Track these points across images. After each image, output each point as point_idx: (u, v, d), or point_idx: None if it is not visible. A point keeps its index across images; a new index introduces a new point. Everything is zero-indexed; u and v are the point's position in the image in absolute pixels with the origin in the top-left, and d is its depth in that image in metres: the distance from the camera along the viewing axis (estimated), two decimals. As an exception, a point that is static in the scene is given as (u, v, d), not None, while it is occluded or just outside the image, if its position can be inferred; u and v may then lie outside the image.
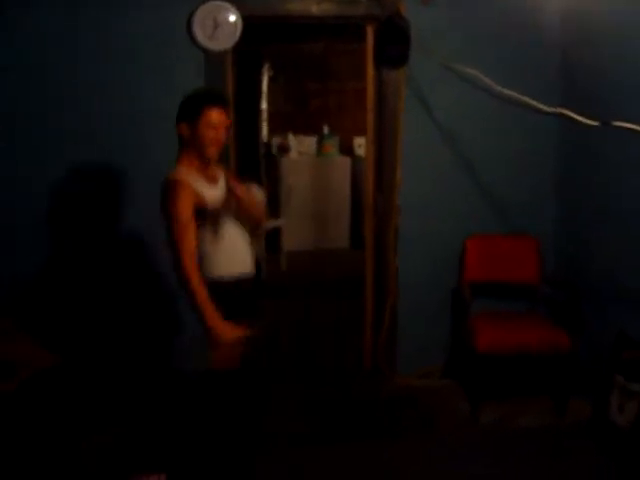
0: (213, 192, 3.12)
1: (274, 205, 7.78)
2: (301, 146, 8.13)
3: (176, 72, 4.09)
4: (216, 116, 3.07)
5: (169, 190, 3.00)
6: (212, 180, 3.16)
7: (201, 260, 3.04)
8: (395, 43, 4.18)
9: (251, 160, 7.65)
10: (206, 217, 3.06)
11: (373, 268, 4.62)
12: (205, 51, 4.08)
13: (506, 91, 3.95)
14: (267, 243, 7.08)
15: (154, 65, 4.10)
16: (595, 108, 3.70)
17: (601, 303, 4.05)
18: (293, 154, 8.02)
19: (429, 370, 4.58)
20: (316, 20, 4.29)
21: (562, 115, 3.09)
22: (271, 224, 7.17)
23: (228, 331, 2.91)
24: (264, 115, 8.11)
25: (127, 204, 4.18)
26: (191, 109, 3.08)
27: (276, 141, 8.18)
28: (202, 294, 2.90)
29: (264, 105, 8.05)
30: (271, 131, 8.27)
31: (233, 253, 3.17)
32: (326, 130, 8.11)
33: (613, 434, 3.65)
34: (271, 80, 8.09)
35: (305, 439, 3.85)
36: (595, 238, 4.14)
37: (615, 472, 2.79)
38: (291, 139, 8.02)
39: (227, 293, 3.06)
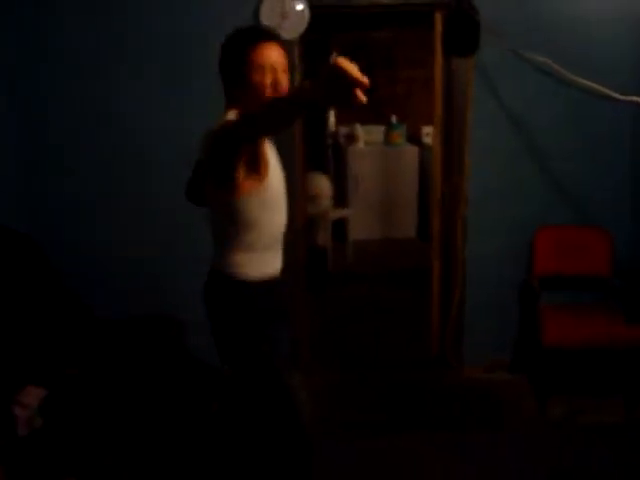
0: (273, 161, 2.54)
1: (341, 195, 7.80)
2: (368, 135, 8.12)
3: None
4: (271, 54, 2.39)
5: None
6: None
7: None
8: (464, 31, 4.12)
9: (318, 150, 7.67)
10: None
11: (440, 258, 4.57)
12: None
13: (578, 79, 3.84)
14: (334, 232, 7.11)
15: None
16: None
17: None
18: (360, 144, 8.02)
19: (496, 363, 4.51)
20: (384, 9, 4.26)
21: (637, 104, 2.99)
22: (338, 213, 7.20)
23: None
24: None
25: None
26: (236, 52, 2.41)
27: (343, 131, 8.18)
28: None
29: (332, 94, 8.05)
30: (338, 121, 8.27)
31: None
32: (394, 119, 8.08)
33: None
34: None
35: (374, 427, 3.87)
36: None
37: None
38: (358, 129, 8.02)
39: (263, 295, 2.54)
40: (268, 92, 2.37)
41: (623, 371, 4.08)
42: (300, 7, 4.06)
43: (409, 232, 7.99)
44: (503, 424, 3.93)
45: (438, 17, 4.27)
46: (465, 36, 4.13)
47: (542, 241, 4.34)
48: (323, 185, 7.06)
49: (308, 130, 4.66)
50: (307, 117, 4.42)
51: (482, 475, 3.42)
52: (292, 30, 4.09)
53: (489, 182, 4.32)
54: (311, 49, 4.85)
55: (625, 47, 4.20)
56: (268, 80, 2.37)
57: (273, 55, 2.39)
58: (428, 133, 7.73)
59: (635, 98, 2.94)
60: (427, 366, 4.63)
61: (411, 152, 7.99)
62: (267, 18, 4.04)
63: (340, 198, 7.71)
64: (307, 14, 4.07)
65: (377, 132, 8.19)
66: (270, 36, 2.46)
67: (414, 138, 8.19)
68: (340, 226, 7.37)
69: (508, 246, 4.42)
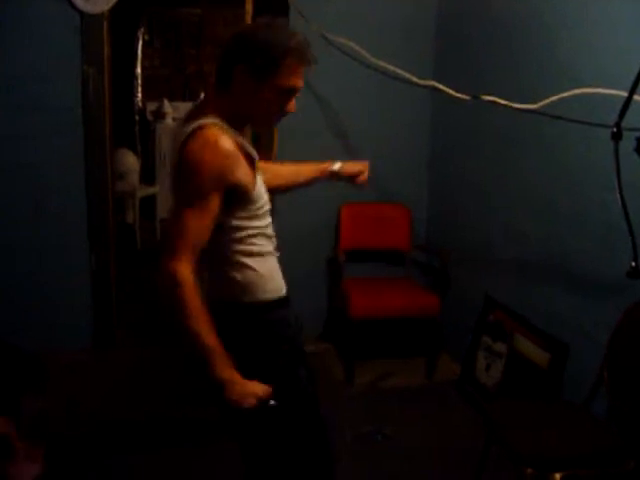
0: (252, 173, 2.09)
1: (149, 172, 7.68)
2: (177, 112, 8.04)
3: (52, 34, 3.98)
4: (302, 80, 2.05)
5: (201, 146, 1.94)
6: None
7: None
8: (273, 12, 4.20)
9: (126, 126, 7.53)
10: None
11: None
12: (82, 13, 3.98)
13: (380, 62, 4.03)
14: (142, 210, 7.01)
15: (29, 26, 3.96)
16: (466, 84, 3.86)
17: (469, 269, 4.26)
18: (169, 120, 7.91)
19: (306, 337, 4.66)
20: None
21: (434, 88, 3.20)
22: (145, 191, 7.10)
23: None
24: (139, 80, 7.96)
25: None
26: (271, 58, 1.97)
27: (151, 107, 8.05)
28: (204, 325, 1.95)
29: (139, 70, 7.90)
30: (146, 97, 8.13)
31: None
32: (202, 96, 8.04)
33: (481, 392, 3.86)
34: (147, 45, 7.95)
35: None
36: (463, 208, 4.33)
37: (483, 429, 2.96)
38: (166, 105, 7.92)
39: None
40: (272, 117, 2.09)
41: (423, 338, 4.36)
42: (109, -20, 3.98)
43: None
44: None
45: (249, -2, 4.33)
46: (274, 17, 4.20)
47: (346, 217, 4.54)
48: (131, 162, 6.94)
49: (115, 105, 4.58)
50: (114, 93, 4.38)
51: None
52: (101, 3, 4.00)
53: (298, 161, 4.43)
54: (120, 23, 4.77)
55: (428, 32, 4.49)
56: (287, 103, 2.05)
57: (302, 82, 2.06)
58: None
59: (433, 82, 3.15)
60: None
61: (219, 128, 7.98)
62: (75, -10, 3.92)
63: (148, 175, 7.60)
64: (117, -13, 4.00)
65: (185, 108, 8.09)
66: (312, 60, 2.05)
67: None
68: (149, 203, 7.27)
69: (315, 223, 4.58)
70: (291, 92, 2.03)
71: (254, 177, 2.07)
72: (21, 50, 3.97)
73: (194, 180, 1.93)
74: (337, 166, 2.58)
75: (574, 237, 3.21)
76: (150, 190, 7.27)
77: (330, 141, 4.49)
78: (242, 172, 2.00)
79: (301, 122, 4.36)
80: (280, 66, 1.97)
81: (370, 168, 4.50)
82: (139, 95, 8.03)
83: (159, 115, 7.93)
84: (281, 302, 2.25)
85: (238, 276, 2.12)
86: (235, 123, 2.03)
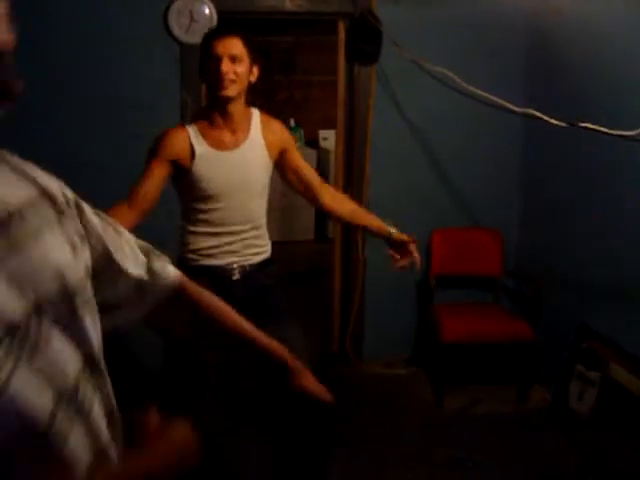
0: (215, 157, 2.78)
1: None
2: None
3: (153, 64, 4.14)
4: (220, 46, 2.67)
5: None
6: (223, 144, 2.79)
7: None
8: (367, 39, 4.28)
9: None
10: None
11: (341, 259, 4.72)
12: (181, 44, 4.13)
13: (475, 90, 4.05)
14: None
15: (131, 57, 4.13)
16: (561, 109, 3.84)
17: (562, 296, 4.20)
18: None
19: (395, 359, 4.69)
20: (290, 16, 4.37)
21: (530, 115, 3.19)
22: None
23: None
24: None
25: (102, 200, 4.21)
26: (200, 51, 2.76)
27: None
28: None
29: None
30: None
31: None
32: (292, 122, 8.17)
33: (573, 421, 3.80)
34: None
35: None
36: (556, 233, 4.29)
37: (575, 458, 2.92)
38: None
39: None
40: (217, 79, 2.65)
41: (515, 365, 4.32)
42: (207, 11, 4.12)
43: (308, 234, 8.09)
44: (401, 414, 4.11)
45: (341, 25, 4.41)
46: (367, 45, 4.28)
47: (438, 242, 4.55)
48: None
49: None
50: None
51: (381, 463, 3.57)
52: (199, 34, 4.13)
53: (389, 187, 4.48)
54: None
55: (520, 58, 4.49)
56: (213, 67, 2.64)
57: (224, 47, 2.65)
58: (325, 137, 7.88)
59: (530, 110, 3.15)
60: (329, 362, 4.74)
61: (309, 155, 8.09)
62: (175, 22, 4.08)
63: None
64: (215, 18, 4.14)
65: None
66: (223, 31, 2.73)
67: (311, 141, 8.30)
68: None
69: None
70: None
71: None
72: (122, 78, 4.13)
73: None
74: (393, 230, 2.99)
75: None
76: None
77: (422, 166, 4.52)
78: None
79: (393, 149, 4.45)
80: (205, 50, 2.70)
81: (463, 193, 4.56)
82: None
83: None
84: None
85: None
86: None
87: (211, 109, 2.79)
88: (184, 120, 3.69)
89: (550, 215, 4.37)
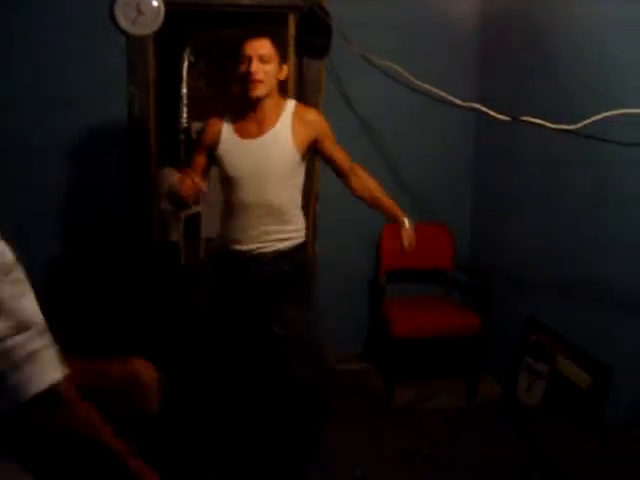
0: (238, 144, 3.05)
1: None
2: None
3: (98, 56, 4.07)
4: (250, 47, 2.91)
5: None
6: (247, 133, 3.05)
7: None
8: (316, 33, 4.25)
9: (171, 145, 7.63)
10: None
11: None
12: (127, 36, 4.07)
13: (423, 84, 4.05)
14: (186, 229, 7.08)
15: (76, 49, 4.06)
16: (511, 105, 3.86)
17: (511, 289, 4.24)
18: (213, 140, 7.96)
19: (346, 355, 4.68)
20: (240, 8, 4.32)
21: (476, 110, 3.20)
22: (191, 210, 7.16)
23: None
24: (184, 100, 8.09)
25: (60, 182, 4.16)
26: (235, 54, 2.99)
27: (196, 127, 8.15)
28: None
29: (184, 90, 8.03)
30: (191, 117, 8.24)
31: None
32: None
33: (522, 413, 3.83)
34: (192, 66, 8.07)
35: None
36: (507, 229, 4.32)
37: (523, 450, 2.94)
38: (211, 125, 7.98)
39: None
40: (245, 79, 2.89)
41: (464, 358, 4.34)
42: (155, 3, 4.06)
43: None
44: (352, 410, 4.10)
45: (291, 19, 4.39)
46: (317, 39, 4.26)
47: (388, 237, 4.53)
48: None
49: (161, 125, 4.66)
50: (159, 113, 4.45)
51: (330, 458, 3.53)
52: (147, 26, 4.09)
53: (338, 182, 4.45)
54: (165, 45, 4.86)
55: (471, 53, 4.51)
56: (243, 69, 2.89)
57: (252, 48, 2.90)
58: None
59: (475, 104, 3.15)
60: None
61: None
62: (122, 14, 4.02)
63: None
64: (162, 10, 4.08)
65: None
66: (252, 33, 2.97)
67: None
68: (193, 223, 7.33)
69: (357, 242, 4.60)
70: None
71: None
72: (66, 72, 4.06)
73: None
74: (407, 222, 3.21)
75: (618, 258, 3.18)
76: (194, 209, 7.32)
77: (372, 162, 4.49)
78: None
79: (343, 143, 4.43)
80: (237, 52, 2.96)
81: (413, 188, 4.56)
82: (185, 115, 8.15)
83: (204, 135, 7.99)
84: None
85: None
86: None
87: (243, 103, 3.02)
88: (133, 113, 3.69)
89: (499, 210, 4.40)
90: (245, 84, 2.92)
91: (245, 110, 3.03)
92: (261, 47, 2.91)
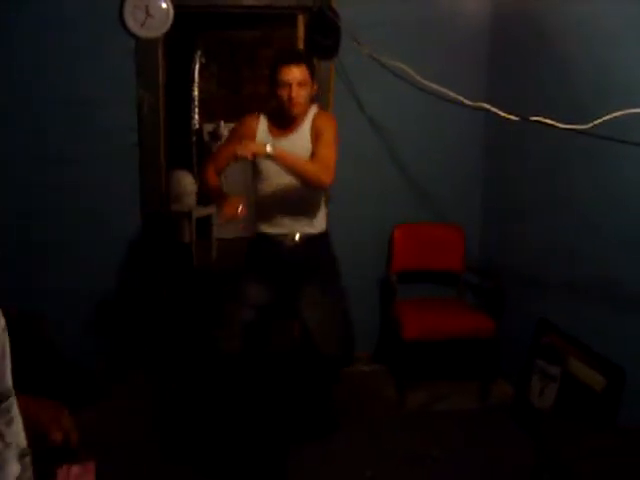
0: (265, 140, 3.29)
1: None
2: (233, 134, 8.09)
3: (107, 58, 4.08)
4: (289, 74, 3.22)
5: None
6: (278, 132, 3.40)
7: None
8: (325, 34, 4.24)
9: (183, 147, 7.63)
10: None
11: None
12: (136, 38, 4.08)
13: (432, 84, 4.03)
14: (198, 230, 7.09)
15: (85, 51, 4.07)
16: (518, 104, 3.84)
17: (522, 290, 4.20)
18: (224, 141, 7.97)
19: (358, 356, 4.65)
20: (248, 10, 4.32)
21: (484, 109, 3.18)
22: (202, 211, 7.19)
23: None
24: (196, 102, 8.09)
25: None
26: (270, 71, 3.31)
27: (208, 128, 8.16)
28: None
29: (196, 92, 8.03)
30: (202, 118, 8.24)
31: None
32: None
33: (535, 417, 3.79)
34: (203, 67, 8.08)
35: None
36: (518, 229, 4.29)
37: (535, 453, 2.91)
38: (222, 126, 8.01)
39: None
40: (286, 103, 3.26)
41: (476, 360, 4.31)
42: (164, 6, 4.07)
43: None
44: (364, 412, 4.08)
45: (300, 19, 4.38)
46: (326, 39, 4.25)
47: (400, 237, 4.52)
48: (187, 182, 7.03)
49: (172, 127, 4.67)
50: (171, 115, 4.46)
51: (341, 460, 3.54)
52: (156, 28, 4.09)
53: (350, 182, 4.44)
54: (176, 47, 4.86)
55: (481, 53, 4.49)
56: (285, 94, 3.23)
57: (290, 74, 3.22)
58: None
59: (483, 104, 3.13)
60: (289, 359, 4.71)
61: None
62: (131, 16, 4.02)
63: (204, 196, 7.67)
64: (171, 13, 4.08)
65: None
66: (290, 58, 3.29)
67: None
68: (205, 224, 7.35)
69: (369, 243, 4.58)
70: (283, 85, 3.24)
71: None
72: (77, 75, 4.07)
73: None
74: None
75: (630, 260, 3.15)
76: (206, 211, 7.34)
77: (382, 162, 4.49)
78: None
79: (353, 143, 4.42)
80: (273, 73, 3.29)
81: (424, 189, 4.54)
82: (196, 117, 8.15)
83: (215, 136, 8.02)
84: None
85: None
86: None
87: (280, 111, 3.35)
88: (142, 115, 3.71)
89: (511, 211, 4.37)
90: (285, 105, 3.27)
91: (280, 115, 3.38)
92: (299, 74, 3.24)
